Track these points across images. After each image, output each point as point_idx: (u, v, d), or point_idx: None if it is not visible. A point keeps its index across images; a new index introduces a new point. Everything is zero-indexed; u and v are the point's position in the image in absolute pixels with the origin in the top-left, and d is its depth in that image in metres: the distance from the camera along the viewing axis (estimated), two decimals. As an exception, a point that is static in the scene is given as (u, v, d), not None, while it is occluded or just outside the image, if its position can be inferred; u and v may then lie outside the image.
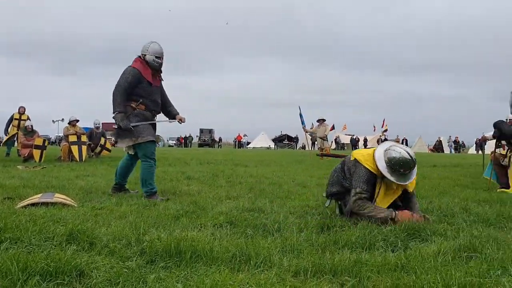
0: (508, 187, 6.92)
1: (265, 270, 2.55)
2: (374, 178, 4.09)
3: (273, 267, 2.60)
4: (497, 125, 6.92)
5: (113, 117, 5.50)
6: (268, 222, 3.79)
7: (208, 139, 54.32)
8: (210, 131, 55.40)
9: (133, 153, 5.72)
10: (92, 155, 15.12)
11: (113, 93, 5.46)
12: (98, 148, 15.61)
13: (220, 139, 59.33)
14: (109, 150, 16.34)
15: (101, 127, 16.48)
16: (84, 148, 13.43)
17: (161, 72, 5.83)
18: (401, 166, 3.94)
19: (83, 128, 14.64)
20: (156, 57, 5.62)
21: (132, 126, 5.48)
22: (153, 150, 5.67)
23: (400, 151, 4.01)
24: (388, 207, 4.04)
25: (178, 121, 6.02)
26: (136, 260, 2.70)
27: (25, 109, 15.14)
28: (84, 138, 13.68)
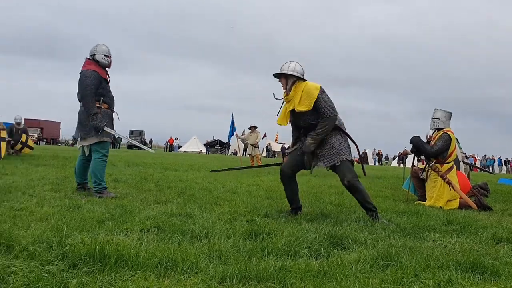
0: (424, 199, 7.37)
1: (191, 276, 2.56)
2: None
3: (200, 273, 2.61)
4: (413, 142, 7.38)
5: (91, 118, 5.80)
6: (196, 228, 3.78)
7: (138, 141, 53.05)
8: (141, 133, 54.15)
9: (87, 154, 6.05)
10: (13, 153, 14.28)
11: (84, 96, 5.83)
12: (19, 146, 14.76)
13: (151, 141, 58.14)
14: (31, 148, 15.50)
15: (23, 123, 15.63)
16: (3, 144, 12.64)
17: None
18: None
19: (4, 123, 13.79)
20: (105, 55, 6.07)
21: (104, 129, 5.90)
22: (108, 148, 6.13)
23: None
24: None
25: None
26: (57, 264, 2.61)
27: None
28: (3, 134, 12.88)
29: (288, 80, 5.02)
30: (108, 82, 6.10)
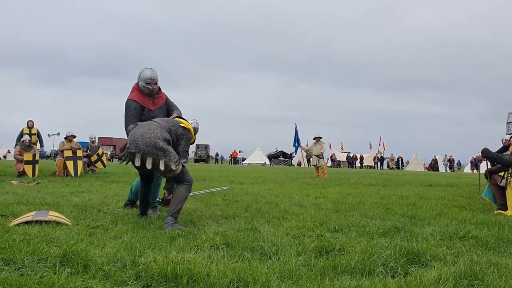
0: (505, 208, 6.89)
1: (263, 297, 2.50)
2: None
3: (272, 294, 2.54)
4: (487, 157, 6.98)
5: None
6: (265, 245, 3.72)
7: (204, 155, 54.37)
8: (206, 147, 55.37)
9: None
10: (88, 171, 15.04)
11: (125, 127, 5.56)
12: (95, 156, 15.55)
13: (217, 155, 59.47)
14: (104, 165, 16.23)
15: (97, 141, 16.44)
16: (79, 163, 13.35)
17: (159, 91, 5.79)
18: None
19: (79, 143, 14.60)
20: (146, 83, 5.59)
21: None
22: None
23: None
24: None
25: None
26: (131, 284, 2.65)
27: (33, 123, 14.30)
28: (79, 153, 13.60)
29: None
30: (152, 110, 5.66)
